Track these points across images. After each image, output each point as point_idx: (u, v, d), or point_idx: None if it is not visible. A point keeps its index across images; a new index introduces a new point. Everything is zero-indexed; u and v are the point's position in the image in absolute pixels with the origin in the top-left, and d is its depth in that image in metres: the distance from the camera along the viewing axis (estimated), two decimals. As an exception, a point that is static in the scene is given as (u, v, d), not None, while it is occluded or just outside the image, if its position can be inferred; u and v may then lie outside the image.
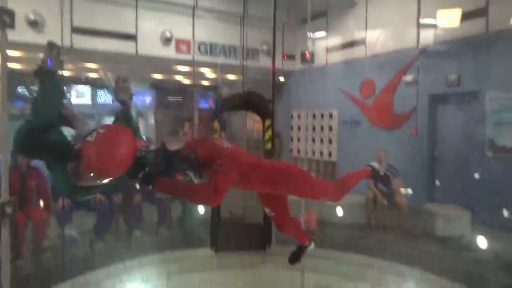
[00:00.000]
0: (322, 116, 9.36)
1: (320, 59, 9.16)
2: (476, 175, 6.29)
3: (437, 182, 7.18)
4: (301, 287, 4.46)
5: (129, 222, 5.58)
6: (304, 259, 4.74)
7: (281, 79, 10.29)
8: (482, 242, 5.02)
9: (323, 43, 9.19)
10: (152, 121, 11.33)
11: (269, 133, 5.31)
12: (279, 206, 2.70)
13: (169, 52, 8.38)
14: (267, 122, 5.32)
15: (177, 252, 4.83)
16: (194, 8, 8.09)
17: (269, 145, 5.34)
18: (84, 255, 4.81)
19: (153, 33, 8.16)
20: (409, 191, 6.46)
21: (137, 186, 5.63)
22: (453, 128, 6.98)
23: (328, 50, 9.15)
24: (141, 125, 11.08)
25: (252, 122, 10.25)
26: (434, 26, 6.87)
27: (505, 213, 5.47)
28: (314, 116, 9.55)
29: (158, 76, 10.41)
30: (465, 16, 6.47)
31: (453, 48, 6.67)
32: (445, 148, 7.11)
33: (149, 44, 8.08)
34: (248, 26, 7.45)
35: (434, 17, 6.79)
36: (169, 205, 5.78)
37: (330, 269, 4.73)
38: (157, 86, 11.18)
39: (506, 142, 6.06)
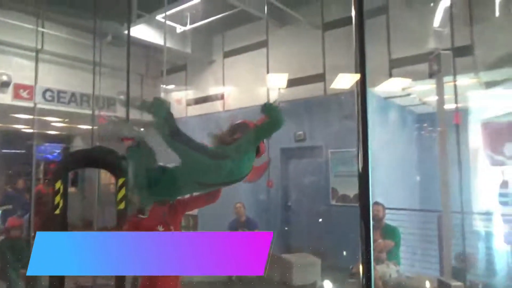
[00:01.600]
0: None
1: (180, 111, 9.13)
2: (321, 221, 6.83)
3: (286, 228, 7.58)
4: None
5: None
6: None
7: (141, 129, 9.87)
8: None
9: (182, 96, 9.22)
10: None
11: (122, 192, 4.84)
12: None
13: (6, 98, 7.27)
14: (120, 181, 4.87)
15: None
16: (37, 51, 7.26)
17: (122, 205, 4.85)
18: None
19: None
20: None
21: None
22: (303, 179, 7.53)
23: (187, 103, 9.20)
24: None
25: (109, 176, 9.43)
26: (279, 86, 7.53)
27: (346, 255, 5.94)
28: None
29: (-9, 124, 8.90)
30: (308, 80, 7.31)
31: (299, 107, 7.36)
32: (297, 198, 7.61)
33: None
34: (104, 75, 6.99)
35: (278, 78, 7.45)
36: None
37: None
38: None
39: (346, 191, 6.79)
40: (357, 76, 1.29)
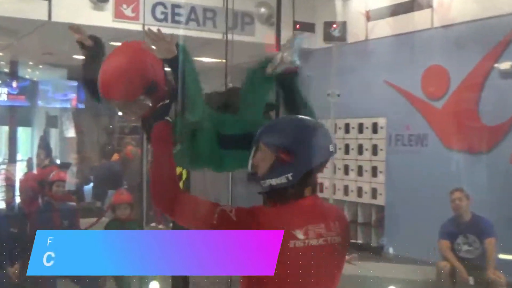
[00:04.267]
0: (360, 128, 9.20)
1: (357, 32, 9.06)
2: None
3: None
4: None
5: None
6: None
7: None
8: None
9: (360, 6, 9.05)
10: (70, 133, 11.01)
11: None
12: None
13: (105, 18, 8.06)
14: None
15: None
16: None
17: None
18: None
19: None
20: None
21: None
22: None
23: (369, 17, 8.93)
24: (53, 140, 10.78)
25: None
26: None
27: None
28: (347, 127, 9.27)
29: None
30: None
31: None
32: None
33: (71, 6, 7.77)
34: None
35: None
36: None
37: None
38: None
39: None
40: None
